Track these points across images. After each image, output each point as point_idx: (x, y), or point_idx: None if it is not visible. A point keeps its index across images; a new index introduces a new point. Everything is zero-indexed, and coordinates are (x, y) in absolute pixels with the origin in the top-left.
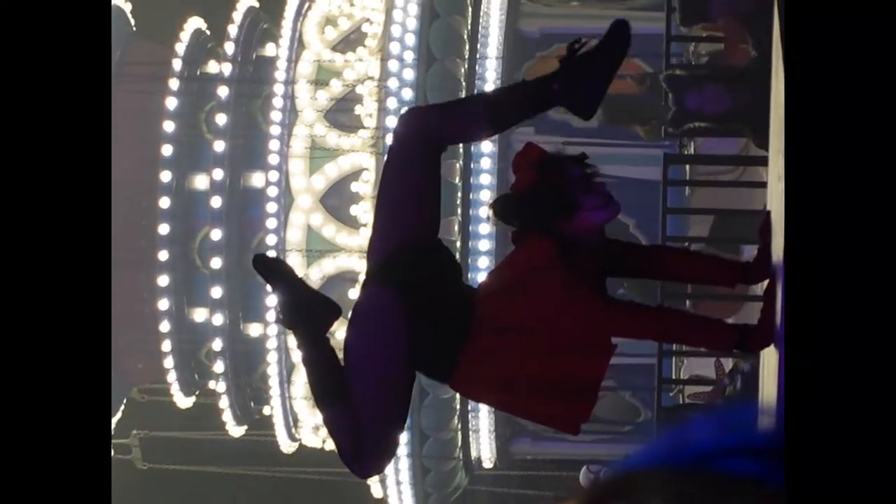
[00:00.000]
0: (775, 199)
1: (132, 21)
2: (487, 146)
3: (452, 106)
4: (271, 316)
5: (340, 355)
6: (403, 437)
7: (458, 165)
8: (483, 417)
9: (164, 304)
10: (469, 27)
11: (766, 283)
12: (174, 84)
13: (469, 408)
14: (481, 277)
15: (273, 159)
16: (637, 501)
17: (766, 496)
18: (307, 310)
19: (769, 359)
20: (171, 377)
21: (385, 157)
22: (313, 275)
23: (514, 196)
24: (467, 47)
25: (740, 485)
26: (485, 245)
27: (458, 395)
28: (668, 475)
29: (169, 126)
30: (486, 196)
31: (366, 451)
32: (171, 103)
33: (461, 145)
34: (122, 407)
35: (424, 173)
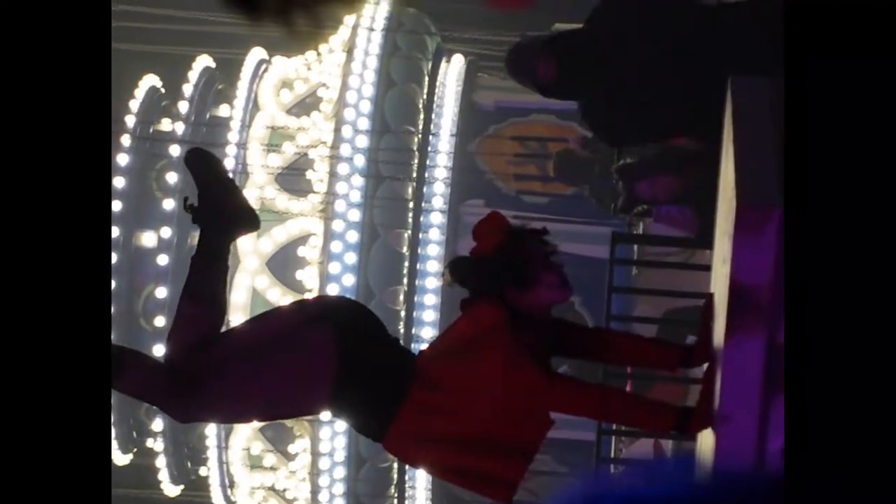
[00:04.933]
0: (719, 282)
1: None
2: (437, 217)
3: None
4: None
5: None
6: None
7: (406, 235)
8: (420, 489)
9: None
10: (425, 97)
11: (706, 366)
12: (126, 140)
13: (406, 477)
14: (425, 347)
15: None
16: None
17: None
18: (228, 215)
19: (706, 439)
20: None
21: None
22: None
23: (473, 260)
24: (422, 117)
25: None
26: (430, 316)
27: (395, 465)
28: None
29: (119, 182)
30: (433, 267)
31: (204, 392)
32: (123, 160)
33: (410, 216)
34: None
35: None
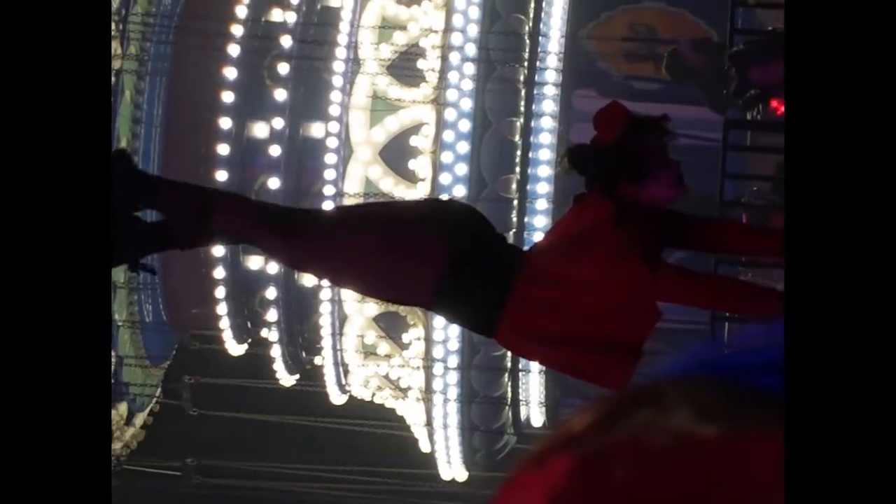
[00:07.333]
0: None
1: None
2: (549, 105)
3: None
4: None
5: None
6: (452, 393)
7: (518, 124)
8: (533, 376)
9: (219, 251)
10: None
11: None
12: (237, 31)
13: (520, 366)
14: (538, 236)
15: (334, 110)
16: (663, 409)
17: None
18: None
19: None
20: (224, 324)
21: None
22: None
23: (592, 149)
24: (532, 4)
25: (770, 399)
26: (542, 204)
27: (509, 354)
28: (697, 384)
29: (231, 73)
30: (545, 155)
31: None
32: (234, 50)
33: (522, 104)
34: (174, 352)
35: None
